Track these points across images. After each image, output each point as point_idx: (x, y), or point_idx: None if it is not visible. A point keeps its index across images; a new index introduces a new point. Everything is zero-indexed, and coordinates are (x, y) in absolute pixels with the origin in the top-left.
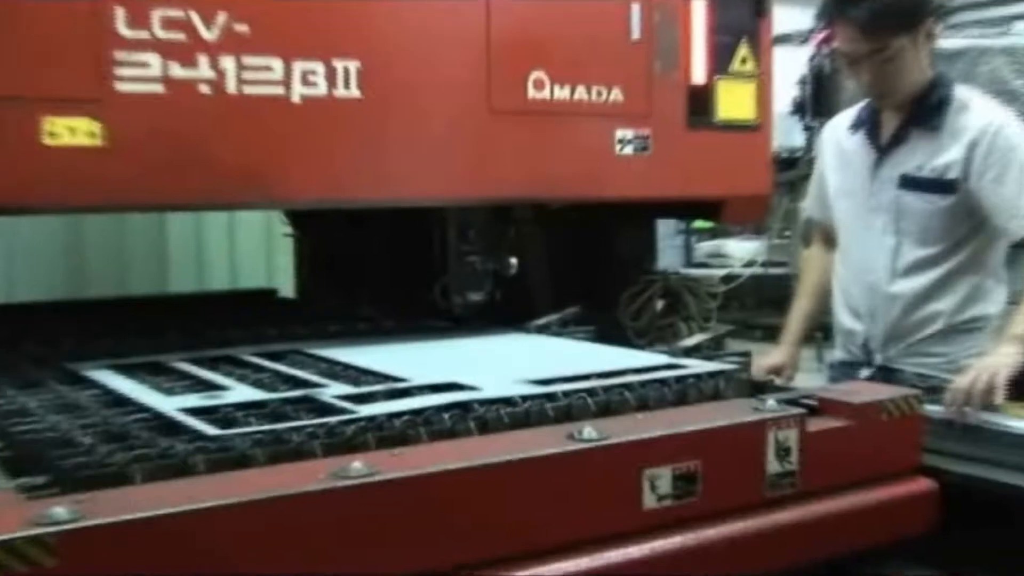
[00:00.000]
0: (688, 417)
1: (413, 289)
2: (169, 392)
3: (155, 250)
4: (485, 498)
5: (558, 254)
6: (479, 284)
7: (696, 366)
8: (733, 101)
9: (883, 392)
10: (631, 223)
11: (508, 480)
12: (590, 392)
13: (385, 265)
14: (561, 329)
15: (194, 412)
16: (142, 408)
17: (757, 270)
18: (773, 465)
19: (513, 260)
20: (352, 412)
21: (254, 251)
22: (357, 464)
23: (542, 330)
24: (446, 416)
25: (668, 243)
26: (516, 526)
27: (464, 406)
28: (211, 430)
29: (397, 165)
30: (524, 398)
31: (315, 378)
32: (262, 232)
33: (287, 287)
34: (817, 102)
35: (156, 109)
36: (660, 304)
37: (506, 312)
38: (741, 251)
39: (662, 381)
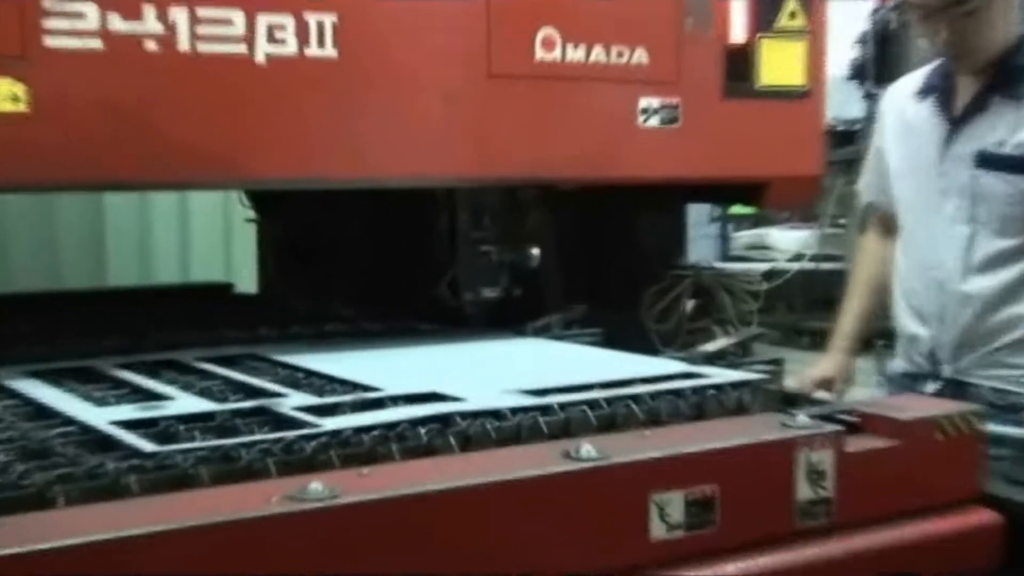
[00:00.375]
0: (705, 434)
1: (402, 285)
2: (100, 402)
3: (91, 237)
4: (465, 525)
5: (570, 245)
6: (494, 278)
7: (717, 375)
8: (778, 64)
9: (937, 407)
10: (656, 209)
11: (492, 504)
12: (591, 404)
13: (367, 256)
14: (563, 332)
15: (129, 425)
16: (68, 420)
17: (806, 265)
18: (804, 491)
19: (535, 251)
20: (314, 426)
21: (208, 239)
22: (317, 485)
23: (540, 332)
24: (423, 431)
25: (700, 233)
26: (501, 558)
27: (444, 419)
28: (148, 446)
29: (379, 139)
30: (514, 410)
31: (273, 387)
32: (218, 217)
33: (247, 281)
34: (880, 65)
35: (92, 69)
36: (690, 305)
37: (517, 312)
38: (787, 242)
39: (676, 392)
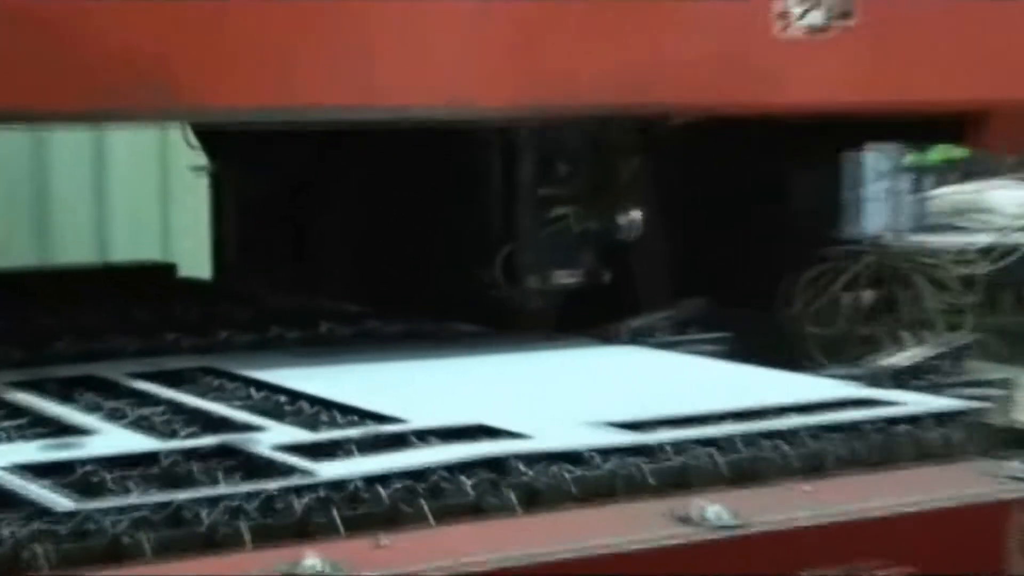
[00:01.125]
0: (887, 488)
1: (430, 267)
2: None
3: None
4: None
5: (683, 211)
6: (571, 256)
7: (910, 403)
8: None
9: None
10: (812, 156)
11: None
12: (719, 444)
13: (379, 226)
14: (674, 337)
15: (33, 471)
16: None
17: None
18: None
19: (636, 215)
20: (306, 473)
21: (138, 199)
22: (313, 561)
23: (640, 337)
24: (467, 481)
25: (878, 191)
26: None
27: (498, 464)
28: (63, 501)
29: (391, 53)
30: (603, 452)
31: (243, 416)
32: (153, 166)
33: (195, 261)
34: None
35: None
36: (865, 296)
37: (604, 307)
38: (1014, 204)
39: (848, 427)
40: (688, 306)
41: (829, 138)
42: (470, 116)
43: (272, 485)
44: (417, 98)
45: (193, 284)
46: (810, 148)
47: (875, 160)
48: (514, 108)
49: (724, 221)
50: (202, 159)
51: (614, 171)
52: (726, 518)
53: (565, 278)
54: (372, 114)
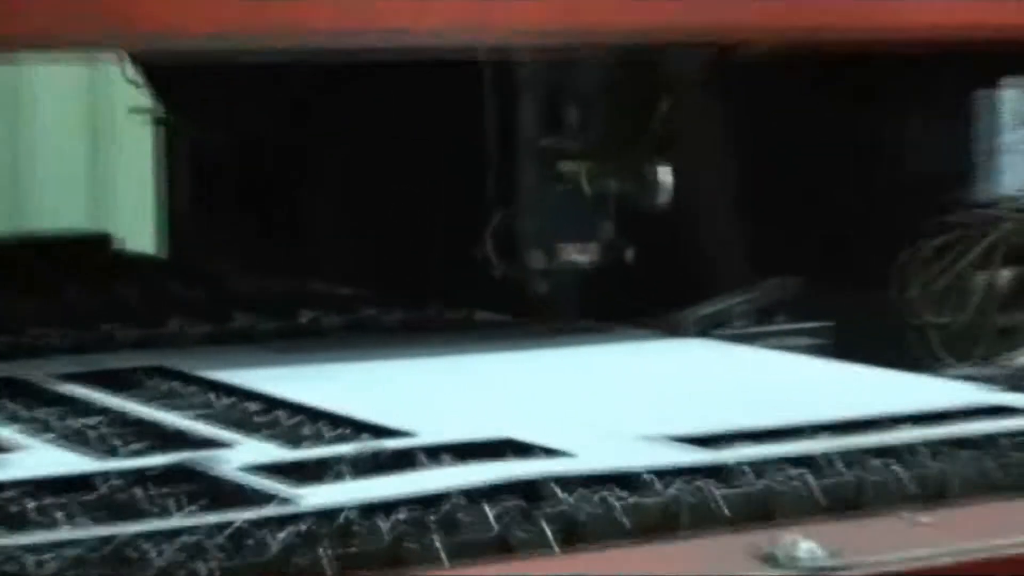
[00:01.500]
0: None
1: (436, 241)
2: None
3: None
4: None
5: (756, 167)
6: (586, 226)
7: None
8: None
9: None
10: (927, 96)
11: None
12: (811, 463)
13: (373, 188)
14: (753, 329)
15: None
16: None
17: None
18: None
19: (665, 173)
20: (285, 500)
21: (63, 152)
22: None
23: (709, 327)
24: (490, 511)
25: (1018, 140)
26: None
27: (530, 488)
28: None
29: None
30: (662, 473)
31: (203, 428)
32: (82, 111)
33: (138, 230)
34: None
35: None
36: (1002, 276)
37: (652, 288)
38: None
39: (979, 442)
40: (772, 288)
41: (955, 73)
42: (489, 45)
43: (241, 516)
44: (423, 22)
45: (135, 260)
46: (929, 86)
47: (1015, 100)
48: (543, 34)
49: (817, 181)
50: (146, 100)
51: (645, 116)
52: (822, 557)
53: (578, 256)
54: (365, 40)
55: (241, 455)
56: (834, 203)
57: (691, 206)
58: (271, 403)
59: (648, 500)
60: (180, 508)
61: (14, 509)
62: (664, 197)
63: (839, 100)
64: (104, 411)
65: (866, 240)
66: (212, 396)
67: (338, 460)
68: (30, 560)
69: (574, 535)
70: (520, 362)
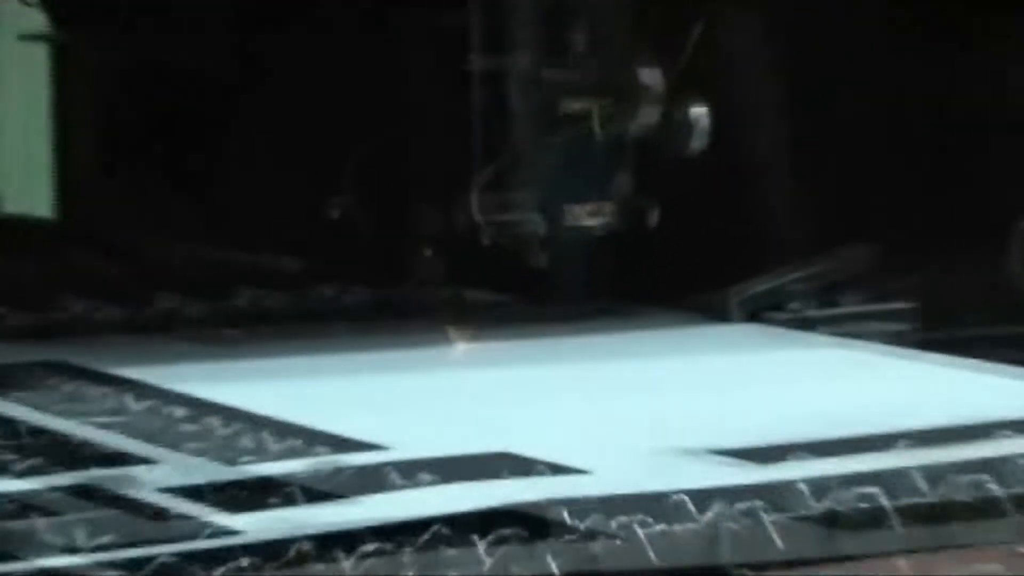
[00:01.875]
0: None
1: (411, 199)
2: None
3: None
4: None
5: (811, 103)
6: (599, 181)
7: None
8: None
9: None
10: None
11: None
12: (887, 481)
13: (320, 134)
14: (818, 312)
15: None
16: None
17: None
18: None
19: (701, 113)
20: (219, 530)
21: None
22: None
23: (762, 313)
24: (481, 543)
25: None
26: None
27: (533, 516)
28: None
29: None
30: (698, 495)
31: (113, 439)
32: None
33: (27, 188)
34: None
35: None
36: None
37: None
38: None
39: None
40: (842, 261)
41: None
42: None
43: (165, 550)
44: None
45: (25, 225)
46: None
47: None
48: None
49: (895, 126)
50: (40, 23)
51: (676, 39)
52: None
53: (587, 219)
54: None
55: (163, 474)
56: (919, 155)
57: (734, 155)
58: (200, 408)
59: (683, 528)
60: (86, 539)
61: None
62: (699, 143)
63: (930, 32)
64: None
65: (963, 201)
66: (125, 399)
67: (287, 481)
68: None
69: (587, 574)
70: (516, 355)
